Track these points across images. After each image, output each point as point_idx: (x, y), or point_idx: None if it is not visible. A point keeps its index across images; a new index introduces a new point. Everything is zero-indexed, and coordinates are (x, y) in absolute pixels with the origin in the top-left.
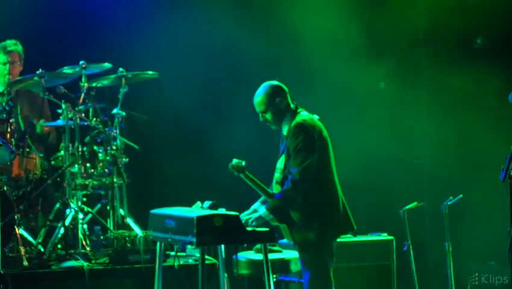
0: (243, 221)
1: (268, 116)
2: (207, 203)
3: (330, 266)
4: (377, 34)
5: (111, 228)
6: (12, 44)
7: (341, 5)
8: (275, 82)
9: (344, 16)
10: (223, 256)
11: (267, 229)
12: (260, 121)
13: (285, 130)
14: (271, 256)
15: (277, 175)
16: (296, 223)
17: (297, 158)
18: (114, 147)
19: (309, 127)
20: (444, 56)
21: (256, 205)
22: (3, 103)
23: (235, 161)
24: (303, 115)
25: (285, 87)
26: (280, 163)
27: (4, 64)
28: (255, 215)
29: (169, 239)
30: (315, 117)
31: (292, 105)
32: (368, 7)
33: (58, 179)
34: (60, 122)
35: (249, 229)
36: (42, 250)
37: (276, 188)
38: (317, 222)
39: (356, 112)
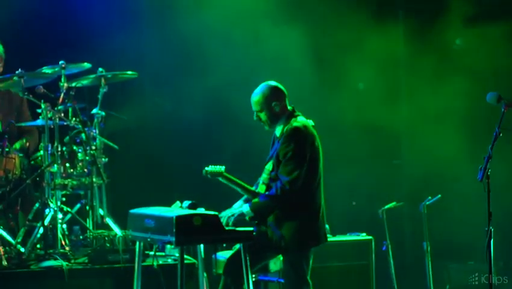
0: (225, 218)
1: (263, 116)
2: (186, 203)
3: (307, 270)
4: None
5: (91, 228)
6: (2, 54)
7: None
8: (274, 83)
9: None
10: (202, 255)
11: (246, 229)
12: (254, 120)
13: (278, 131)
14: None
15: (264, 176)
16: (276, 228)
17: (287, 167)
18: (94, 147)
19: (303, 136)
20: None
21: (239, 203)
22: None
23: (210, 167)
24: (299, 120)
25: (284, 89)
26: (270, 165)
27: None
28: (237, 211)
29: (148, 239)
30: (311, 122)
31: (289, 107)
32: None
33: (38, 179)
34: (39, 122)
35: (228, 228)
36: (21, 249)
37: (261, 189)
38: (297, 231)
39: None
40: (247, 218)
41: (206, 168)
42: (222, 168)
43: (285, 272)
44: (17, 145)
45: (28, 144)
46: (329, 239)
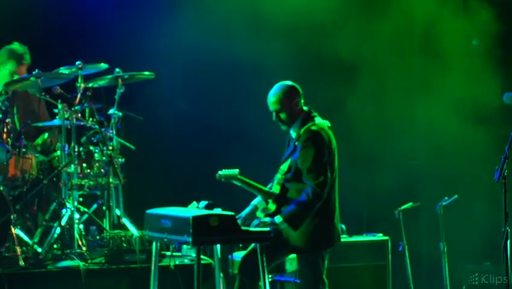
0: (255, 224)
1: (283, 116)
2: (203, 203)
3: (323, 270)
4: None
5: (107, 228)
6: (28, 58)
7: None
8: (291, 83)
9: None
10: (219, 256)
11: (263, 229)
12: (273, 120)
13: (294, 133)
14: None
15: (279, 176)
16: (294, 231)
17: (313, 172)
18: (110, 148)
19: (322, 139)
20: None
21: (256, 200)
22: (0, 103)
23: (224, 171)
24: (318, 123)
25: (300, 88)
26: (285, 165)
27: (12, 73)
28: (266, 220)
29: (165, 239)
30: (327, 123)
31: (305, 108)
32: None
33: (54, 179)
34: (56, 122)
35: (244, 228)
36: (38, 250)
37: (275, 189)
38: (313, 232)
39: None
40: (281, 227)
41: (219, 172)
42: (236, 171)
43: (301, 272)
44: (39, 140)
45: (49, 139)
46: (345, 240)
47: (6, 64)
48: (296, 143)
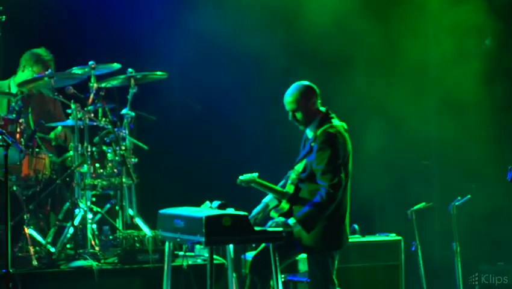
0: (269, 225)
1: (299, 115)
2: (216, 203)
3: (333, 270)
4: None
5: (120, 228)
6: (53, 65)
7: None
8: (308, 83)
9: None
10: (232, 255)
11: (275, 229)
12: (289, 120)
13: (310, 133)
14: None
15: (293, 176)
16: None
17: (328, 174)
18: (123, 148)
19: (338, 142)
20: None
21: (268, 198)
22: (13, 103)
23: (244, 176)
24: (336, 124)
25: (316, 88)
26: (300, 165)
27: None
28: (281, 220)
29: (178, 239)
30: (344, 125)
31: (322, 108)
32: None
33: (68, 179)
34: (69, 122)
35: (257, 228)
36: (51, 249)
37: (289, 188)
38: (324, 233)
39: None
40: (295, 230)
41: (240, 178)
42: (255, 175)
43: (311, 272)
44: (52, 134)
45: (63, 133)
46: (358, 240)
47: (33, 67)
48: (312, 144)
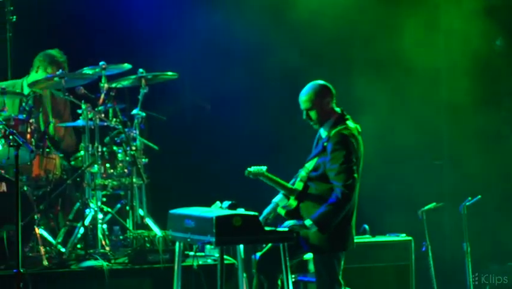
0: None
1: (313, 115)
2: (226, 203)
3: (339, 271)
4: None
5: (131, 228)
6: (66, 67)
7: None
8: (323, 82)
9: None
10: (242, 256)
11: (286, 229)
12: (303, 119)
13: (324, 133)
14: None
15: (303, 174)
16: (314, 231)
17: (343, 174)
18: (134, 148)
19: (351, 144)
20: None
21: (278, 198)
22: (24, 104)
23: (253, 168)
24: (350, 126)
25: (332, 88)
26: (311, 163)
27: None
28: (298, 223)
29: (188, 239)
30: (358, 128)
31: (338, 109)
32: None
33: (78, 179)
34: (80, 122)
35: (267, 228)
36: (62, 249)
37: (298, 186)
38: (331, 233)
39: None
40: (312, 230)
41: (248, 169)
42: (264, 168)
43: (317, 272)
44: (51, 127)
45: (63, 133)
46: (368, 240)
47: (47, 68)
48: (325, 144)
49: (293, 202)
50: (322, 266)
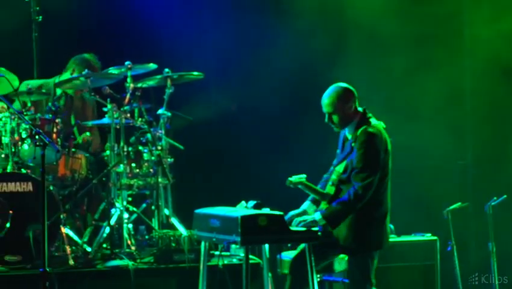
0: (296, 222)
1: (335, 118)
2: (251, 203)
3: (372, 270)
4: None
5: (156, 228)
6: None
7: None
8: (346, 85)
9: None
10: (267, 255)
11: (311, 229)
12: (325, 122)
13: (350, 134)
14: None
15: (334, 177)
16: (343, 229)
17: (362, 173)
18: (159, 148)
19: (378, 142)
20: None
21: (306, 204)
22: (50, 103)
23: (294, 178)
24: (374, 124)
25: (355, 91)
26: (340, 167)
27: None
28: (309, 218)
29: (214, 239)
30: (382, 125)
31: (360, 109)
32: None
33: (104, 179)
34: (105, 120)
35: (293, 228)
36: (88, 249)
37: (330, 190)
38: (364, 233)
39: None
40: (320, 224)
41: (289, 179)
42: (303, 177)
43: (350, 272)
44: (80, 139)
45: (91, 138)
46: (394, 240)
47: (82, 72)
48: (353, 144)
49: (324, 207)
50: (356, 266)
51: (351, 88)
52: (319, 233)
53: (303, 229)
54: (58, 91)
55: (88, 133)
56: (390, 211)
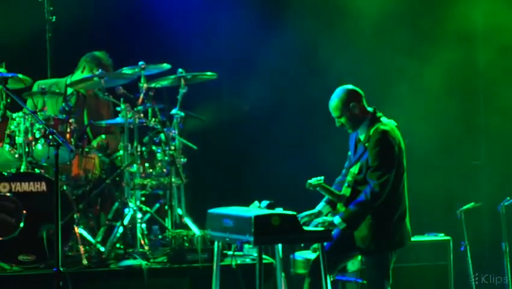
0: (315, 222)
1: (344, 121)
2: (264, 203)
3: (389, 269)
4: None
5: (169, 227)
6: (112, 70)
7: None
8: (350, 86)
9: None
10: (280, 255)
11: (324, 229)
12: (337, 126)
13: (362, 134)
14: None
15: (349, 179)
16: (362, 229)
17: (377, 171)
18: (173, 148)
19: (391, 140)
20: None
21: (321, 205)
22: (63, 103)
23: (313, 180)
24: (385, 123)
25: (360, 91)
26: (355, 168)
27: None
28: (328, 219)
29: (227, 239)
30: (393, 123)
31: (369, 109)
32: None
33: (117, 179)
34: (119, 120)
35: (306, 228)
36: (101, 249)
37: (346, 191)
38: (383, 233)
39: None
40: (340, 228)
41: (309, 181)
42: (321, 179)
43: (368, 271)
44: (94, 142)
45: (106, 141)
46: None
47: (93, 70)
48: (366, 144)
49: (341, 208)
50: (373, 266)
51: (355, 88)
52: (332, 233)
53: (316, 229)
54: (69, 90)
55: (103, 136)
56: (409, 209)
